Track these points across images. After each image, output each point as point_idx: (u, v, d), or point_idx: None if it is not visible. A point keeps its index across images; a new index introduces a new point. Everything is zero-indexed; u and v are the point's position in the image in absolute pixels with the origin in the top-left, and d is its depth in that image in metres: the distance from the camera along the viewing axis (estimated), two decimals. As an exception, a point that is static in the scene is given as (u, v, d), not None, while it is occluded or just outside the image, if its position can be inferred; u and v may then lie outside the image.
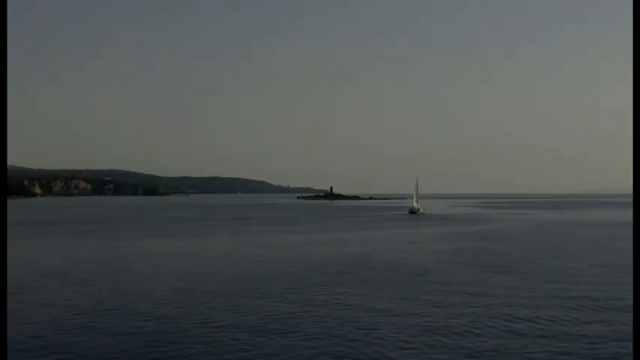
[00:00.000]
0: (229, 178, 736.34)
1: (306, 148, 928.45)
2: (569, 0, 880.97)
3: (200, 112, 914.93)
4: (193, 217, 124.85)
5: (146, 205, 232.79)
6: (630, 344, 16.88)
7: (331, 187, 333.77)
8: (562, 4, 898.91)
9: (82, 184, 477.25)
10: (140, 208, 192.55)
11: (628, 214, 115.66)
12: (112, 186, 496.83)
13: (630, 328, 19.65)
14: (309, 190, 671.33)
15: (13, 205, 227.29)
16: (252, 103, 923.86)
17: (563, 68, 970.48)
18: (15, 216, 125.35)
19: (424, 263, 41.72)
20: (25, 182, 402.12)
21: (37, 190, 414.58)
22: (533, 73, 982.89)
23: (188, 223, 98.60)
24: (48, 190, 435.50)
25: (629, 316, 22.19)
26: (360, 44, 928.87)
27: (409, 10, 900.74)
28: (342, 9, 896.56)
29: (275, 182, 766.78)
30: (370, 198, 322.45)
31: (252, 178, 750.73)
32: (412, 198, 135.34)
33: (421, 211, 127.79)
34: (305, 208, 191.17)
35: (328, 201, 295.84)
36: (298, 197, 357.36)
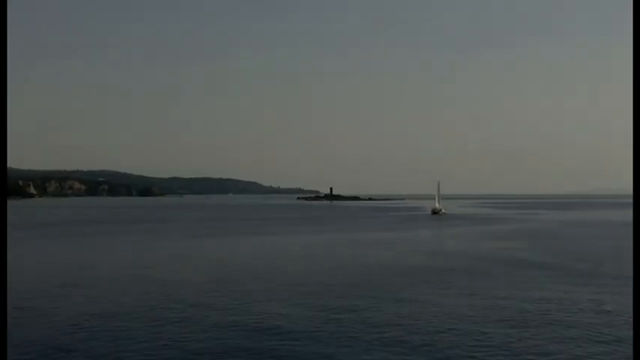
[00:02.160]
0: (220, 178, 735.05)
1: (295, 148, 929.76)
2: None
3: (190, 112, 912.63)
4: (216, 217, 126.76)
5: (151, 206, 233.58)
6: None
7: (331, 188, 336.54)
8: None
9: (77, 185, 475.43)
10: (153, 209, 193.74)
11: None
12: (106, 187, 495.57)
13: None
14: (300, 190, 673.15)
15: (16, 205, 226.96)
16: (243, 103, 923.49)
17: (563, 69, 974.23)
18: (31, 217, 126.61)
19: (499, 261, 44.74)
20: (20, 183, 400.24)
21: (32, 190, 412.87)
22: (533, 74, 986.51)
23: (220, 224, 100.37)
24: (42, 191, 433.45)
25: None
26: (358, 43, 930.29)
27: (413, 8, 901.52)
28: (347, 6, 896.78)
29: (266, 183, 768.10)
30: (369, 199, 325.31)
31: (243, 179, 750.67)
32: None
33: (443, 211, 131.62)
34: (316, 208, 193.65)
35: (328, 202, 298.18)
36: (298, 198, 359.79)
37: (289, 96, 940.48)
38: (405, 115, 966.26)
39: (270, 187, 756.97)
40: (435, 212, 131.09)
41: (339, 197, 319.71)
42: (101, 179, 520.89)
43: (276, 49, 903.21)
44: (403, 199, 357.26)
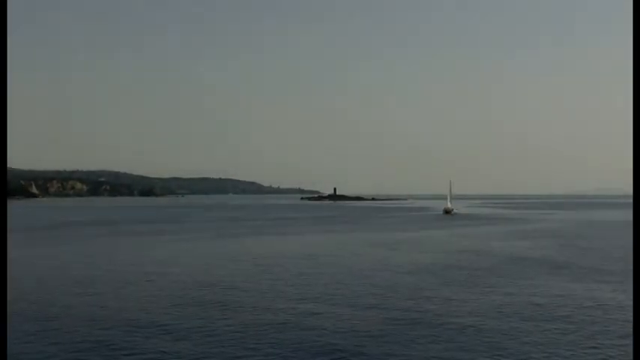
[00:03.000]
0: (219, 178, 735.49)
1: (293, 149, 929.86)
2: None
3: (189, 112, 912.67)
4: (233, 217, 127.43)
5: (160, 206, 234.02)
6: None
7: (335, 189, 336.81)
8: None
9: (79, 185, 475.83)
10: (164, 209, 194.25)
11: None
12: (107, 187, 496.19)
13: None
14: (300, 191, 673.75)
15: (23, 205, 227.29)
16: (242, 103, 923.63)
17: (568, 71, 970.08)
18: (48, 217, 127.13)
19: (537, 260, 45.82)
20: (23, 183, 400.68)
21: (34, 190, 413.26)
22: (537, 75, 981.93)
23: (241, 224, 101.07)
24: (44, 191, 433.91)
25: None
26: (358, 43, 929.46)
27: (421, 8, 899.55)
28: (350, 5, 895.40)
29: (265, 183, 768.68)
30: (372, 199, 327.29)
31: (242, 179, 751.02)
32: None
33: (455, 211, 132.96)
34: (325, 208, 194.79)
35: (332, 202, 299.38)
36: (302, 198, 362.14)
37: (289, 96, 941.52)
38: (404, 116, 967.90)
39: (270, 187, 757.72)
40: (447, 212, 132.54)
41: (343, 197, 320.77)
42: (102, 179, 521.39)
43: (277, 49, 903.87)
44: (405, 199, 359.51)
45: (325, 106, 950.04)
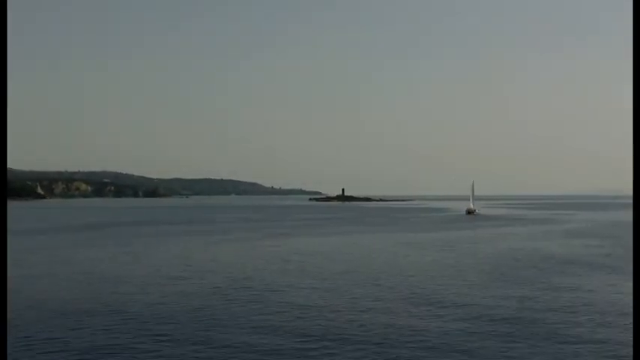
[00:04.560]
0: (221, 179, 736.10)
1: (294, 150, 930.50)
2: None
3: (190, 113, 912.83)
4: (256, 219, 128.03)
5: (171, 206, 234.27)
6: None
7: (343, 189, 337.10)
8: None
9: (83, 186, 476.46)
10: (176, 210, 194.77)
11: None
12: (112, 188, 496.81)
13: None
14: (301, 191, 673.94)
15: (36, 206, 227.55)
16: (242, 103, 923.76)
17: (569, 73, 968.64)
18: (72, 218, 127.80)
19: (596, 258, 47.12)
20: (29, 184, 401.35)
21: (40, 191, 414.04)
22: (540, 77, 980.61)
23: (269, 224, 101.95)
24: (49, 192, 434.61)
25: None
26: (358, 43, 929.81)
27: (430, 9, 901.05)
28: (351, 7, 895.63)
29: (267, 184, 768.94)
30: (380, 200, 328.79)
31: (243, 180, 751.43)
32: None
33: (477, 211, 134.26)
34: (340, 209, 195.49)
35: (341, 202, 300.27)
36: (310, 199, 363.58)
37: (290, 97, 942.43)
38: (407, 116, 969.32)
39: (272, 188, 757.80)
40: (469, 212, 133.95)
41: (351, 198, 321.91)
42: (107, 180, 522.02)
43: (277, 49, 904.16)
44: (412, 199, 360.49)
45: (328, 107, 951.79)
